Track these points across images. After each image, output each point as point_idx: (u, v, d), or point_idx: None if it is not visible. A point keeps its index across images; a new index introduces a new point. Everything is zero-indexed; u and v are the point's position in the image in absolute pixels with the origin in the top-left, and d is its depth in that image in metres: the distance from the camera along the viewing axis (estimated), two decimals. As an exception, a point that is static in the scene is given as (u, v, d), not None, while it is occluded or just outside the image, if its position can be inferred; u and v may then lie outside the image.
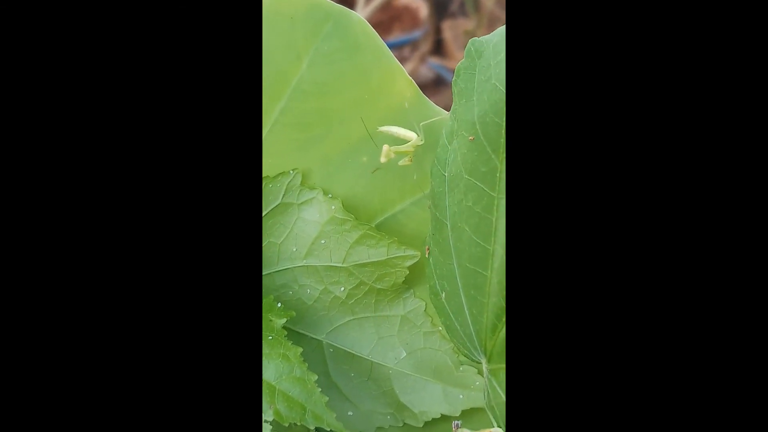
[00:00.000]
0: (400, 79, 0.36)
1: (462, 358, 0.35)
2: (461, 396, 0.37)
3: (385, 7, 0.92)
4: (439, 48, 0.97)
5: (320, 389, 0.34)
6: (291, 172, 0.36)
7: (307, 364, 0.33)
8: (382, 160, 0.34)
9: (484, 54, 0.28)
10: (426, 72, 0.96)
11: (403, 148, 0.34)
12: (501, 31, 0.28)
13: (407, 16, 0.95)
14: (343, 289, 0.37)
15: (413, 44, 0.97)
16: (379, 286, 0.37)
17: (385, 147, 0.34)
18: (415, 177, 0.34)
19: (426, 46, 0.96)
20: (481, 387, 0.35)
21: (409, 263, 0.36)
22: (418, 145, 0.35)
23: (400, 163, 0.34)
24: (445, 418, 0.36)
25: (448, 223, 0.31)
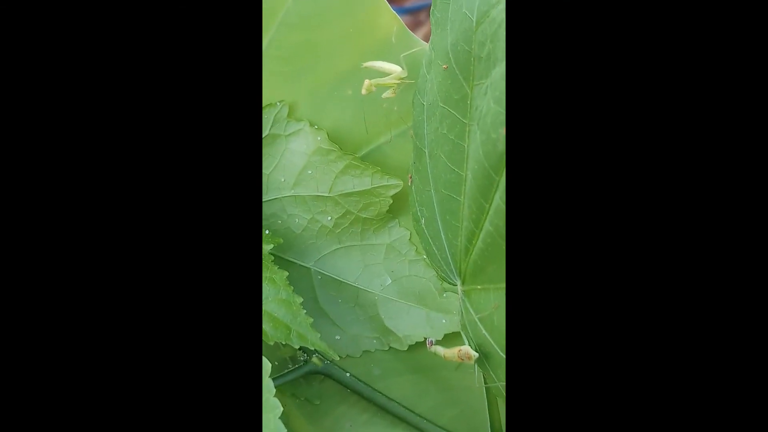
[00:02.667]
0: (385, 13, 0.36)
1: (442, 281, 0.36)
2: (444, 320, 0.38)
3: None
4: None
5: (306, 313, 0.35)
6: (278, 103, 0.37)
7: (292, 287, 0.35)
8: (363, 92, 0.35)
9: (459, -16, 0.29)
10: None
11: (384, 80, 0.35)
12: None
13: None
14: (330, 218, 0.38)
15: (428, 9, 0.96)
16: (364, 215, 0.38)
17: (367, 81, 0.35)
18: (395, 109, 0.34)
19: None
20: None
21: (392, 192, 0.37)
22: (402, 78, 0.35)
23: (384, 95, 0.35)
24: (428, 342, 0.37)
25: (426, 151, 0.32)
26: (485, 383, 0.32)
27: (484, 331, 0.30)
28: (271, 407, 0.27)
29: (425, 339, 0.35)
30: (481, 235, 0.28)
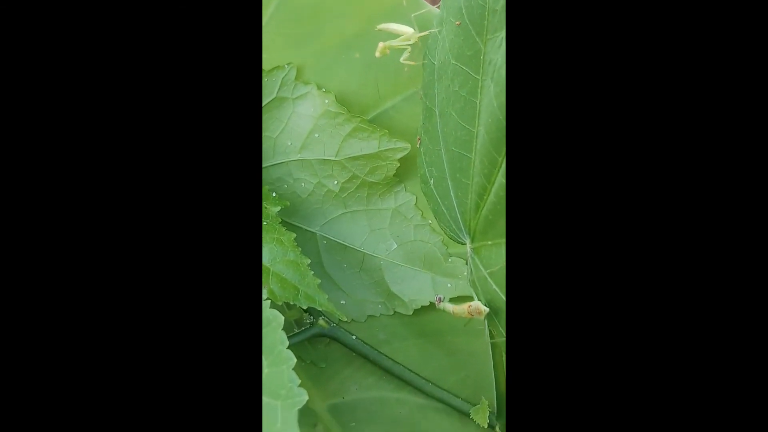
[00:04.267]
0: (392, -23, 0.36)
1: (449, 242, 0.37)
2: (449, 285, 0.38)
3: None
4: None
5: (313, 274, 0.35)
6: (286, 66, 0.37)
7: (300, 249, 0.35)
8: (377, 55, 0.34)
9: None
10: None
11: (396, 43, 0.35)
12: None
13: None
14: (336, 182, 0.38)
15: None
16: (371, 180, 0.38)
17: (381, 44, 0.34)
18: (406, 69, 0.34)
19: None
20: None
21: (399, 155, 0.37)
22: (416, 39, 0.35)
23: (402, 59, 0.35)
24: (433, 306, 0.37)
25: (436, 110, 0.32)
26: (491, 338, 0.32)
27: (494, 286, 0.30)
28: (285, 359, 0.27)
29: (436, 297, 0.35)
30: (493, 189, 0.28)
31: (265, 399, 0.26)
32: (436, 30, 0.32)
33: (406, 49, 0.34)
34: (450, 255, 0.38)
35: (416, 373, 0.38)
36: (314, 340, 0.39)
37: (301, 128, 0.38)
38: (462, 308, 0.31)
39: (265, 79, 0.37)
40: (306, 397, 0.26)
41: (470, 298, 0.32)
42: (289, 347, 0.37)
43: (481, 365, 0.38)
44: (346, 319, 0.38)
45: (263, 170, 0.38)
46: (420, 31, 0.34)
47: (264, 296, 0.33)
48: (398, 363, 0.38)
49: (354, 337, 0.38)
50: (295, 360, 0.27)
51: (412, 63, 0.34)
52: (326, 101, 0.37)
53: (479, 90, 0.29)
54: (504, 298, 0.29)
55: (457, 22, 0.29)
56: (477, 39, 0.29)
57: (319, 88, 0.37)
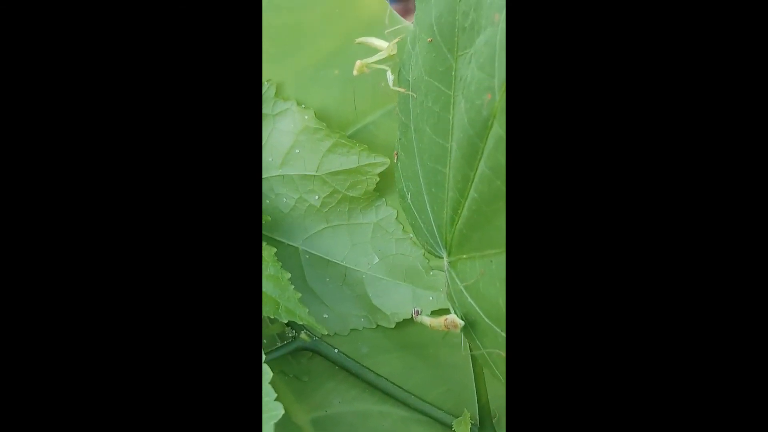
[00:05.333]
0: (369, -6, 0.37)
1: (427, 255, 0.37)
2: (431, 297, 0.38)
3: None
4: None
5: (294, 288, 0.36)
6: (266, 83, 0.38)
7: (280, 263, 0.35)
8: (355, 73, 0.35)
9: (442, -42, 0.29)
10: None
11: (373, 60, 0.35)
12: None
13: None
14: (317, 197, 0.38)
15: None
16: (351, 194, 0.38)
17: (358, 62, 0.35)
18: (382, 85, 0.35)
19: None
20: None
21: (379, 170, 0.37)
22: (393, 55, 0.35)
23: (391, 85, 0.34)
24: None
25: (411, 126, 0.32)
26: (470, 351, 0.32)
27: (470, 300, 0.30)
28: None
29: (413, 310, 0.36)
30: (466, 204, 0.29)
31: (240, 414, 0.26)
32: (408, 39, 0.32)
33: (386, 69, 0.34)
34: (432, 268, 0.38)
35: (399, 386, 0.38)
36: (297, 353, 0.39)
37: (281, 144, 0.38)
38: (439, 321, 0.31)
39: (245, 97, 0.38)
40: (282, 411, 0.26)
41: (449, 311, 0.33)
42: (271, 361, 0.38)
43: (463, 377, 0.38)
44: (327, 333, 0.38)
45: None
46: (396, 48, 0.34)
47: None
48: (381, 376, 0.38)
49: (336, 350, 0.39)
50: (272, 374, 0.27)
51: (401, 90, 0.34)
52: (306, 117, 0.38)
53: (452, 105, 0.29)
54: (480, 311, 0.30)
55: (429, 39, 0.30)
56: (448, 55, 0.29)
57: (298, 104, 0.38)
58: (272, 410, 0.27)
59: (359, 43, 0.35)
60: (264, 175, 0.39)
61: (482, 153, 0.27)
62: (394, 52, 0.35)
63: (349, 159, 0.37)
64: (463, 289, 0.30)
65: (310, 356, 0.39)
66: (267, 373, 0.27)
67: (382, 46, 0.35)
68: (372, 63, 0.35)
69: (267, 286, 0.35)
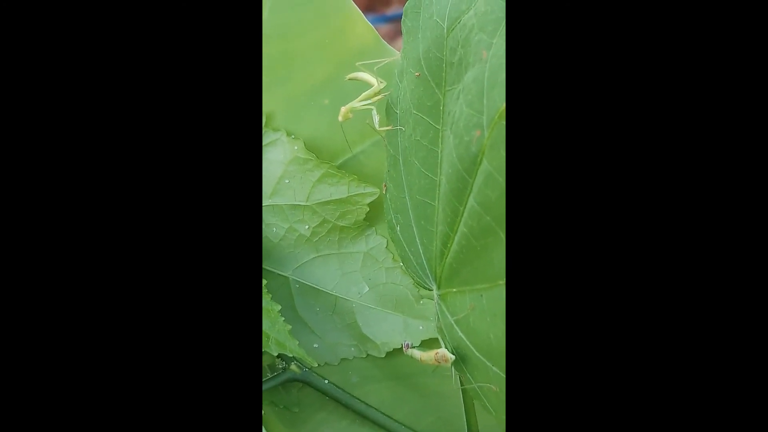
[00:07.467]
0: (359, 24, 0.37)
1: (419, 288, 0.37)
2: (421, 327, 0.38)
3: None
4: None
5: (285, 321, 0.35)
6: (255, 114, 0.38)
7: (270, 295, 0.35)
8: (340, 119, 0.34)
9: (429, -7, 0.29)
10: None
11: (358, 104, 0.34)
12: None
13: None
14: (307, 227, 0.38)
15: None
16: (341, 224, 0.38)
17: (342, 108, 0.33)
18: (367, 122, 0.35)
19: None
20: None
21: (369, 200, 0.37)
22: (381, 90, 0.35)
23: (377, 127, 0.33)
24: (405, 349, 0.38)
25: (400, 158, 0.32)
26: (461, 385, 0.32)
27: (460, 333, 0.30)
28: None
29: (403, 343, 0.36)
30: (456, 238, 0.29)
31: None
32: (395, 72, 0.32)
33: (371, 110, 0.34)
34: (422, 297, 0.38)
35: (389, 416, 0.38)
36: (287, 384, 0.39)
37: (271, 174, 0.38)
38: (429, 355, 0.31)
39: (234, 127, 0.37)
40: None
41: (437, 344, 0.33)
42: (262, 392, 0.37)
43: (453, 407, 0.38)
44: (317, 365, 0.38)
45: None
46: (384, 88, 0.33)
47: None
48: (371, 406, 0.38)
49: (326, 381, 0.38)
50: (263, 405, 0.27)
51: (388, 128, 0.33)
52: (295, 147, 0.38)
53: (440, 139, 0.29)
54: (470, 345, 0.29)
55: (417, 73, 0.30)
56: (436, 90, 0.29)
57: (288, 134, 0.38)
58: None
59: (350, 80, 0.35)
60: (254, 205, 0.38)
61: (471, 188, 0.27)
62: (383, 86, 0.34)
63: (339, 189, 0.37)
64: (453, 322, 0.30)
65: (301, 387, 0.39)
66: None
67: (372, 81, 0.35)
68: (357, 107, 0.34)
69: (256, 319, 0.34)
